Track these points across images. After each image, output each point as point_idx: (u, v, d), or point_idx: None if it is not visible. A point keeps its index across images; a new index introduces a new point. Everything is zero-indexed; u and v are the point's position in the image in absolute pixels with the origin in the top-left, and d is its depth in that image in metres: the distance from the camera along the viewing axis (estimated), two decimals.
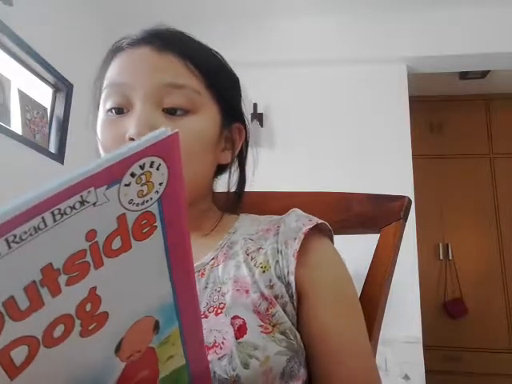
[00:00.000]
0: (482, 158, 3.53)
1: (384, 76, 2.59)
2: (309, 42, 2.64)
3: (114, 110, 0.55)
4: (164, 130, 0.25)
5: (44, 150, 2.15)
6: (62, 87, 2.31)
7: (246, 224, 0.61)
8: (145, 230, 0.27)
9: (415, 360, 2.15)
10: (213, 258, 0.56)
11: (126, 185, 0.25)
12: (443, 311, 3.27)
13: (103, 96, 0.56)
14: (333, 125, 2.56)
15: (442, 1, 2.51)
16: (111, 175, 0.24)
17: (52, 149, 2.25)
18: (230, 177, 0.65)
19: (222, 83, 0.59)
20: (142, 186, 0.25)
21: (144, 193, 0.26)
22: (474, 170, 3.49)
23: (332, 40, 2.64)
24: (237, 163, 0.65)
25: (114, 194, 0.25)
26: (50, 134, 2.27)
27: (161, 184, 0.26)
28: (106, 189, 0.24)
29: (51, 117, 2.30)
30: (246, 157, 0.67)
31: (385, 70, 2.59)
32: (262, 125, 2.58)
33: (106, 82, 0.56)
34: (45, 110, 2.24)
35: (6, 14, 1.85)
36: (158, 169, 0.26)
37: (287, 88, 2.63)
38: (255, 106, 2.57)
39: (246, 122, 0.65)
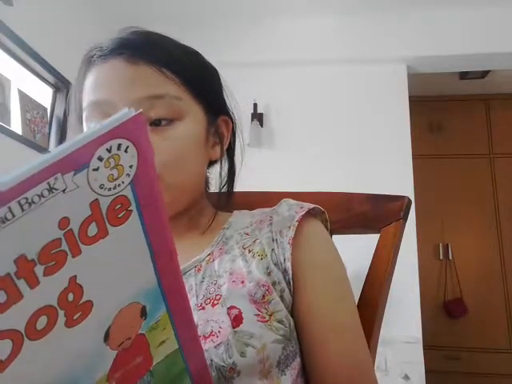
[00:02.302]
0: (482, 158, 3.53)
1: (384, 76, 2.59)
2: (309, 42, 2.64)
3: None
4: (127, 111, 0.25)
5: (44, 150, 2.15)
6: (62, 87, 2.31)
7: (240, 219, 0.62)
8: (120, 215, 0.27)
9: (415, 360, 2.15)
10: (209, 254, 0.56)
11: (94, 169, 0.24)
12: (443, 311, 3.27)
13: (85, 115, 0.55)
14: (333, 125, 2.56)
15: (442, 1, 2.51)
16: (77, 160, 0.24)
17: (52, 149, 2.24)
18: (221, 170, 0.65)
19: (201, 81, 0.58)
20: (111, 169, 0.25)
21: (115, 177, 0.25)
22: (474, 170, 3.50)
23: (332, 40, 2.64)
24: (226, 156, 0.66)
25: (83, 180, 0.24)
26: (49, 134, 2.27)
27: (131, 167, 0.26)
28: (74, 174, 0.24)
29: (51, 117, 2.30)
30: (234, 148, 0.67)
31: (385, 70, 2.59)
32: (261, 125, 2.57)
33: (85, 101, 0.55)
34: (45, 110, 2.24)
35: (5, 14, 1.85)
36: (126, 151, 0.25)
37: (287, 88, 2.63)
38: (255, 106, 2.57)
39: (231, 112, 0.65)
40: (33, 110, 2.12)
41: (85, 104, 0.55)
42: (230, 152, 0.66)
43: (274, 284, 0.51)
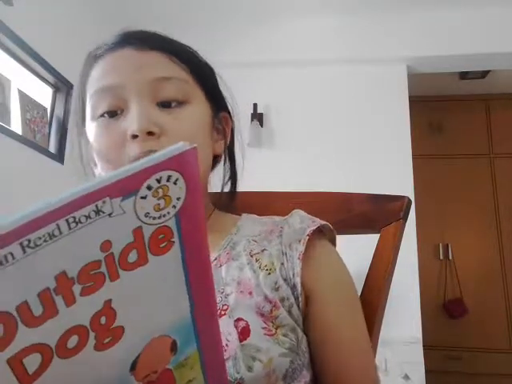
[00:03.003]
0: (481, 157, 3.53)
1: (384, 76, 2.59)
2: (309, 41, 2.64)
3: (106, 114, 0.54)
4: (182, 144, 0.25)
5: (44, 150, 2.15)
6: (62, 87, 2.31)
7: (249, 224, 0.61)
8: (162, 245, 0.27)
9: (415, 360, 2.15)
10: (215, 259, 0.56)
11: (142, 197, 0.25)
12: (443, 311, 3.27)
13: (92, 104, 0.55)
14: (333, 125, 2.56)
15: (442, 1, 2.51)
16: (126, 187, 0.24)
17: (52, 149, 2.24)
18: (224, 168, 0.65)
19: (203, 72, 0.60)
20: (158, 199, 0.25)
21: (161, 207, 0.26)
22: (474, 170, 3.49)
23: (332, 40, 2.64)
24: (227, 155, 0.66)
25: (129, 206, 0.25)
26: (49, 134, 2.27)
27: (178, 199, 0.26)
28: (122, 200, 0.24)
29: (51, 117, 2.30)
30: (233, 147, 0.67)
31: (385, 70, 2.59)
32: (261, 125, 2.57)
33: (91, 91, 0.56)
34: (45, 110, 2.24)
35: (5, 14, 1.85)
36: (175, 183, 0.26)
37: (287, 88, 2.63)
38: (255, 105, 2.57)
39: (230, 109, 0.65)
40: (33, 110, 2.12)
41: (92, 92, 0.55)
42: (230, 152, 0.66)
43: (282, 300, 0.51)
